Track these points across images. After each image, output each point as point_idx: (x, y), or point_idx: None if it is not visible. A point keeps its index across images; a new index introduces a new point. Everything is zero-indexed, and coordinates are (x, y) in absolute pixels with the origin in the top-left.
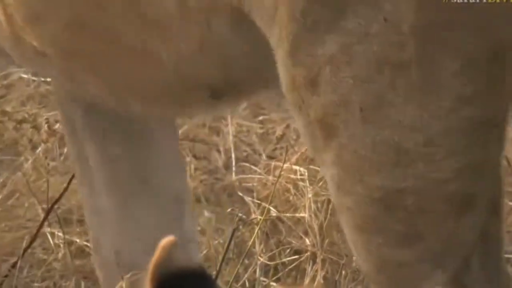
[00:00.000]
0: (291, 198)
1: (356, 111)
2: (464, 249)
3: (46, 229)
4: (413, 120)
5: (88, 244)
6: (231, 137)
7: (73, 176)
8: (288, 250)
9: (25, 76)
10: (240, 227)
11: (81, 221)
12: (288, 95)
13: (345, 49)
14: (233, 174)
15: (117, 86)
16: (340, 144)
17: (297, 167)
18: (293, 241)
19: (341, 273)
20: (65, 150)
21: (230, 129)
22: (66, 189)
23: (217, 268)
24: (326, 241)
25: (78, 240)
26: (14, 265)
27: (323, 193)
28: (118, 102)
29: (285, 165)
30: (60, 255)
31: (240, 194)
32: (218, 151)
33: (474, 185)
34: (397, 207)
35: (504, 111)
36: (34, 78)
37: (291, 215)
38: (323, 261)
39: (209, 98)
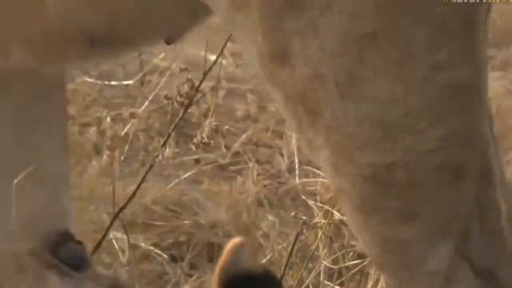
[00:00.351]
0: None
1: (332, 86)
2: (461, 220)
3: (111, 233)
4: (389, 94)
5: (153, 248)
6: (294, 141)
7: (142, 181)
8: (351, 254)
9: (89, 80)
10: (304, 231)
11: (146, 225)
12: (260, 69)
13: (310, 23)
14: (297, 177)
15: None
16: (326, 124)
17: None
18: (357, 245)
19: None
20: (130, 154)
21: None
22: (134, 194)
23: (281, 272)
24: None
25: (143, 244)
26: None
27: None
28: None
29: None
30: (124, 259)
31: (304, 197)
32: (281, 154)
33: (462, 154)
34: (389, 183)
35: (482, 76)
36: (98, 81)
37: None
38: None
39: (89, 47)
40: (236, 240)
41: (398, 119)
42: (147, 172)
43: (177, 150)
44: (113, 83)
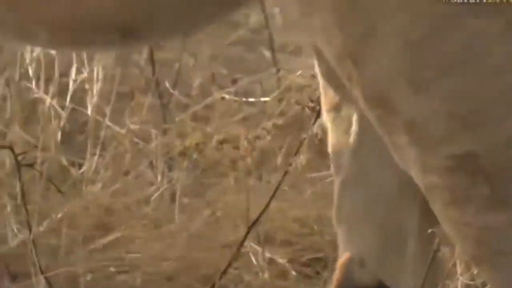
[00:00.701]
0: None
1: (403, 85)
2: None
3: (249, 249)
4: (458, 90)
5: (290, 265)
6: None
7: (272, 196)
8: None
9: (227, 96)
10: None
11: (284, 241)
12: (338, 70)
13: (371, 25)
14: None
15: (26, 16)
16: (405, 121)
17: None
18: None
19: None
20: (268, 169)
21: None
22: (265, 208)
23: None
24: None
25: (280, 260)
26: (213, 285)
27: None
28: (23, 32)
29: None
30: (263, 275)
31: None
32: None
33: None
34: (475, 172)
35: None
36: (236, 98)
37: None
38: None
39: (120, 38)
40: (345, 255)
41: (470, 114)
42: (279, 182)
43: (309, 161)
44: (250, 99)
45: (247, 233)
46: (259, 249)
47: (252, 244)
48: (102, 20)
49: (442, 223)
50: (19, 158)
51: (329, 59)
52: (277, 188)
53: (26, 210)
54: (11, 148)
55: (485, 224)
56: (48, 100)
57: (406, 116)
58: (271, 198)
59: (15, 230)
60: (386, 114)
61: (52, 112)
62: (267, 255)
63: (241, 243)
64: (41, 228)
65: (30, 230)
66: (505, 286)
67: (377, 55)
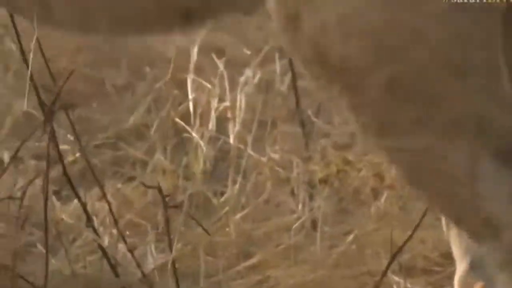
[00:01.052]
0: None
1: (336, 34)
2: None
3: (390, 278)
4: (381, 25)
5: None
6: None
7: (417, 225)
8: None
9: None
10: None
11: (425, 270)
12: (276, 25)
13: None
14: None
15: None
16: (337, 69)
17: None
18: None
19: None
20: (407, 196)
21: None
22: (409, 238)
23: None
24: None
25: None
26: None
27: None
28: (85, 23)
29: None
30: None
31: None
32: None
33: (464, 50)
34: (400, 96)
35: None
36: None
37: None
38: None
39: (182, 20)
40: (478, 285)
41: (395, 43)
42: (424, 213)
43: None
44: None
45: (390, 262)
46: (400, 280)
47: (391, 274)
48: (163, 6)
49: (372, 150)
50: (167, 199)
51: (277, 31)
52: (422, 218)
53: (170, 245)
54: (159, 189)
55: (409, 146)
56: (189, 129)
57: (337, 63)
58: (415, 228)
59: (155, 256)
60: (322, 68)
61: (196, 141)
62: (408, 285)
63: (384, 272)
64: (182, 256)
65: (173, 263)
66: (435, 202)
67: (314, 11)
